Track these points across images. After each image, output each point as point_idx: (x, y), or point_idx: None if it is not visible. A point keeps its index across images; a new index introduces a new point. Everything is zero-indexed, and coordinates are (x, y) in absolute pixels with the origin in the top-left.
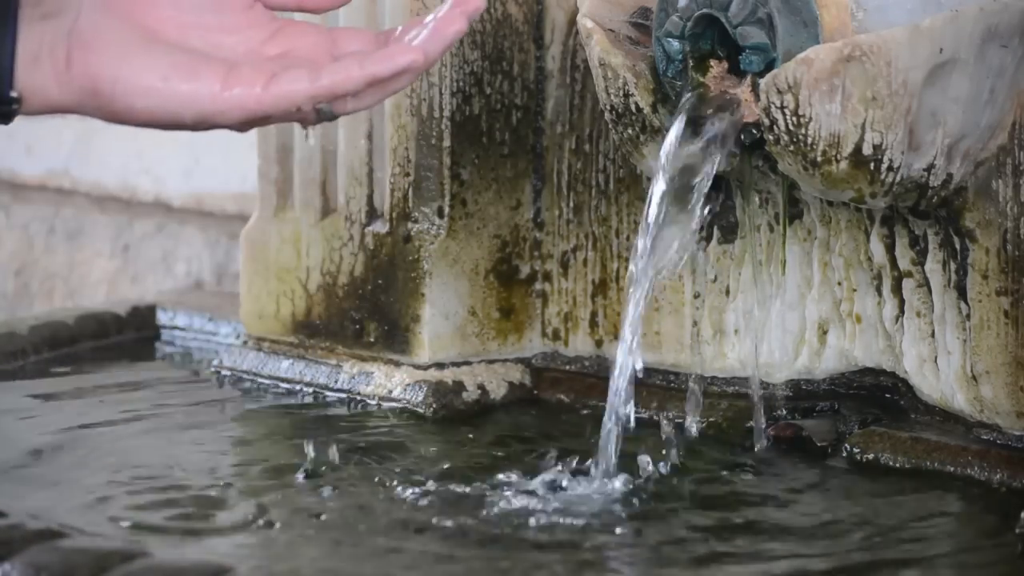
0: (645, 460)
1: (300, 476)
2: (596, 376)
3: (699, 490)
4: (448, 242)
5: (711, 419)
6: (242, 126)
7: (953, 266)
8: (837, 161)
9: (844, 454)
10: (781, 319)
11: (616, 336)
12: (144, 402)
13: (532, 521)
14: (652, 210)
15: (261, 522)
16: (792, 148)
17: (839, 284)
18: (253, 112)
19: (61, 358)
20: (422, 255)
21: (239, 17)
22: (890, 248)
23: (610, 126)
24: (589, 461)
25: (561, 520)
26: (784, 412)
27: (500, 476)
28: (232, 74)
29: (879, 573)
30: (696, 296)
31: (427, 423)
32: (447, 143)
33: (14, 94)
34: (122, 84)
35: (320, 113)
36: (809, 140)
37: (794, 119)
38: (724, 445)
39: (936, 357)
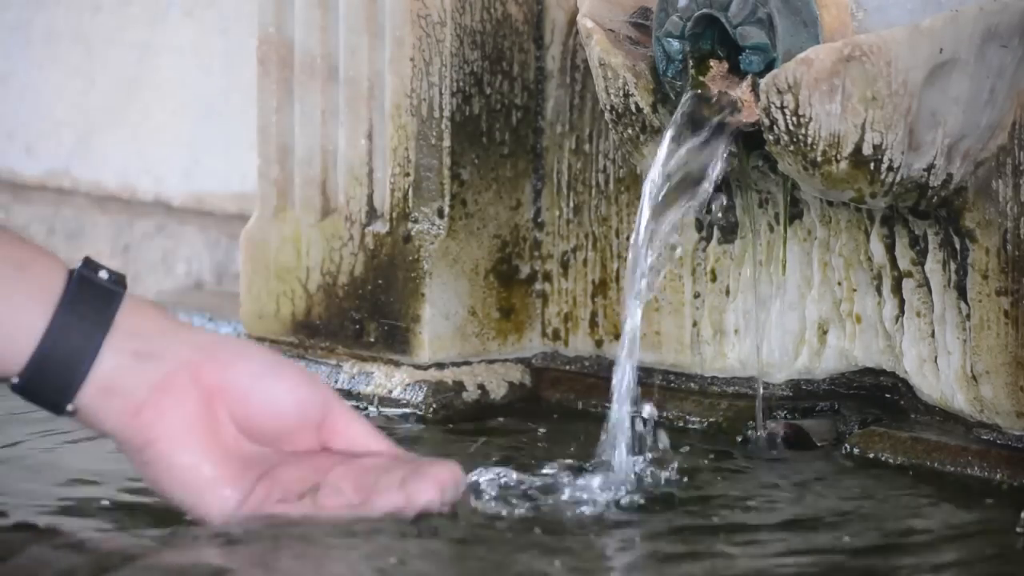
0: (645, 460)
1: None
2: (596, 376)
3: (699, 490)
4: (448, 242)
5: (711, 419)
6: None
7: (953, 266)
8: (837, 161)
9: (844, 454)
10: (781, 319)
11: (616, 336)
12: None
13: (532, 521)
14: (644, 211)
15: (259, 522)
16: (792, 148)
17: (839, 284)
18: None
19: None
20: (422, 255)
21: (296, 449)
22: (890, 248)
23: (610, 126)
24: (589, 461)
25: (561, 520)
26: (784, 412)
27: (499, 476)
28: (250, 498)
29: (879, 573)
30: (696, 296)
31: (427, 423)
32: (447, 143)
33: (70, 408)
34: (165, 460)
35: None
36: (809, 140)
37: (794, 119)
38: (724, 445)
39: (936, 357)
